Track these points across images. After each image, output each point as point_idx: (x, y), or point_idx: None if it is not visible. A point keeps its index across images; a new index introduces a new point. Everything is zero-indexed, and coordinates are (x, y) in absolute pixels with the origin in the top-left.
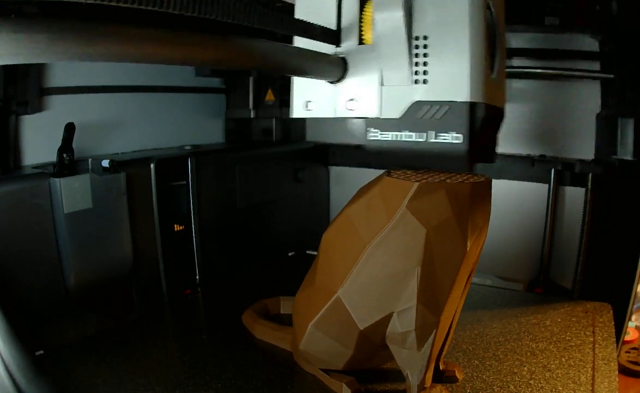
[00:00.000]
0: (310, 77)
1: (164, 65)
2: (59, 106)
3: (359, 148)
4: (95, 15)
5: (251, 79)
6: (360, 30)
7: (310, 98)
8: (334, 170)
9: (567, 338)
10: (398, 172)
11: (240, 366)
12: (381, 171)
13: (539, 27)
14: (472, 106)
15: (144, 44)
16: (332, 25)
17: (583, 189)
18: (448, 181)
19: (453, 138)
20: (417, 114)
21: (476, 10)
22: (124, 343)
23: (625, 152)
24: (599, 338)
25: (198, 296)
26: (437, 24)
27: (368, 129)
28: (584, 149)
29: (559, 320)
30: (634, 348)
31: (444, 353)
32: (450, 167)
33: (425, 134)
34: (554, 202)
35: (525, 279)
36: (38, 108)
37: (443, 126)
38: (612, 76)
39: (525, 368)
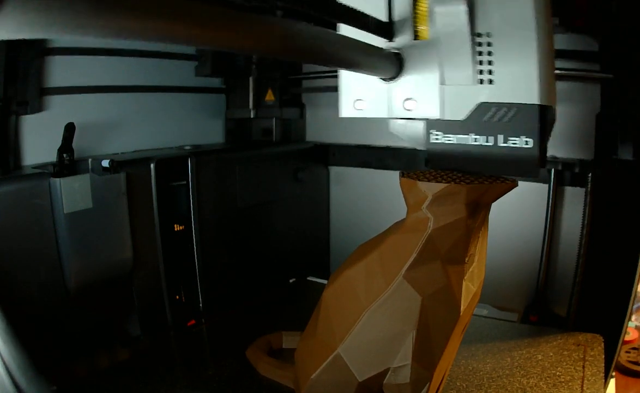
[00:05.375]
0: (363, 73)
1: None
2: (59, 106)
3: (359, 148)
4: None
5: (251, 79)
6: (415, 24)
7: (361, 97)
8: (334, 170)
9: (558, 373)
10: (415, 173)
11: None
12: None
13: None
14: (542, 108)
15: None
16: (381, 18)
17: (583, 190)
18: (469, 183)
19: (523, 142)
20: (484, 117)
21: (542, 7)
22: (134, 379)
23: (625, 152)
24: (588, 373)
25: (202, 328)
26: (502, 21)
27: (430, 131)
28: (584, 149)
29: (551, 354)
30: (634, 348)
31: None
32: (520, 172)
33: (493, 138)
34: (554, 204)
35: (521, 306)
36: (38, 108)
37: (512, 129)
38: (612, 76)
39: None
